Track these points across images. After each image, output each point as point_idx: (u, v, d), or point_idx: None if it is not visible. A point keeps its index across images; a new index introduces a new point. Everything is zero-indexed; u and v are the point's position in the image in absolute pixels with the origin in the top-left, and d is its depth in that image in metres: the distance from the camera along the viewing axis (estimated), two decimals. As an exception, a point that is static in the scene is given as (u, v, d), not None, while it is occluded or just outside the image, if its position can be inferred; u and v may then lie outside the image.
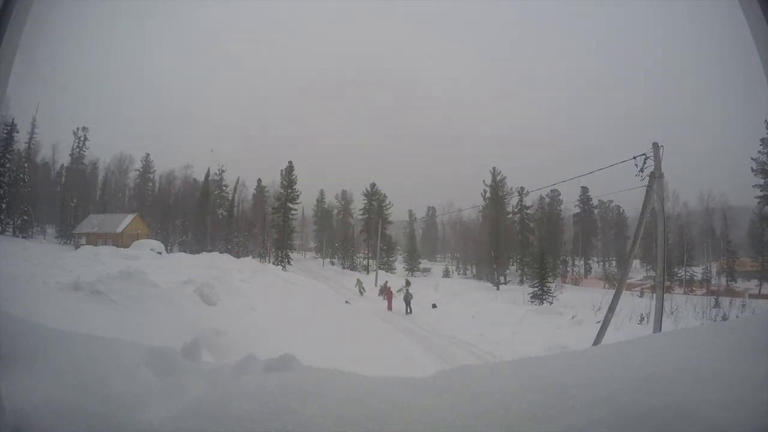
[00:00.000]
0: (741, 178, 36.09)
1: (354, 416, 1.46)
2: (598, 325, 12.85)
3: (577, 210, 49.68)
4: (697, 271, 41.77)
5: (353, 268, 50.12)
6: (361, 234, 50.64)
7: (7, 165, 36.12)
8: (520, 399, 1.43)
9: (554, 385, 1.47)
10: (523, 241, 47.59)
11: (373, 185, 50.24)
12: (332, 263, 51.57)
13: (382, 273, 39.39)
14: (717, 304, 25.89)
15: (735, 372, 1.33)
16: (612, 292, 13.59)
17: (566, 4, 64.76)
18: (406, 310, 24.15)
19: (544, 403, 1.39)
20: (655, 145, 11.94)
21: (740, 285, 38.75)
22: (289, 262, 43.18)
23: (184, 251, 37.99)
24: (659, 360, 1.52)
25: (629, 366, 1.51)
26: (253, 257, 27.12)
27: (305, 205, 50.48)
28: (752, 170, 34.15)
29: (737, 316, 20.33)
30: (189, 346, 2.61)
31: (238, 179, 48.29)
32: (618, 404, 1.32)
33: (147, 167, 49.87)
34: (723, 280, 40.19)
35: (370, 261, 49.08)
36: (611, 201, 49.70)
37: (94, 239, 34.92)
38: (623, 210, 50.41)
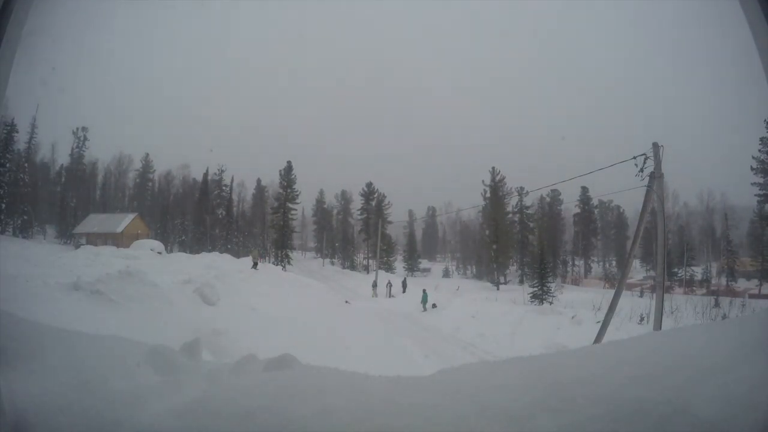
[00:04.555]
0: (741, 178, 36.17)
1: (354, 415, 1.46)
2: (598, 325, 12.85)
3: (577, 210, 49.71)
4: (697, 271, 41.81)
5: (353, 267, 50.13)
6: (361, 234, 50.65)
7: (7, 165, 36.12)
8: (521, 396, 1.44)
9: (554, 382, 1.47)
10: (523, 241, 47.62)
11: (369, 185, 50.28)
12: (332, 263, 51.60)
13: (382, 273, 39.33)
14: (717, 304, 25.90)
15: (734, 369, 1.33)
16: (612, 292, 13.59)
17: (567, 5, 64.83)
18: (423, 307, 24.68)
19: (544, 400, 1.40)
20: (655, 145, 11.94)
21: (740, 285, 38.76)
22: (289, 262, 43.16)
23: (184, 251, 37.97)
24: (658, 357, 1.53)
25: (629, 363, 1.51)
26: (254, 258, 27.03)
27: (305, 205, 50.56)
28: (752, 169, 34.17)
29: (737, 316, 20.34)
30: (189, 345, 2.61)
31: (232, 178, 48.45)
32: (618, 401, 1.32)
33: (147, 167, 49.95)
34: (723, 280, 40.22)
35: (370, 261, 49.08)
36: (611, 201, 49.78)
37: (94, 239, 34.91)
38: (623, 210, 50.52)
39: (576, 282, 46.82)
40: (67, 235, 39.80)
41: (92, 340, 2.22)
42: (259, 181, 51.10)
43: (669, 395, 1.29)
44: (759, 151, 34.11)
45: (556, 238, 48.83)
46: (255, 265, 23.71)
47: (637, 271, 42.88)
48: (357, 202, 51.89)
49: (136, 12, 72.35)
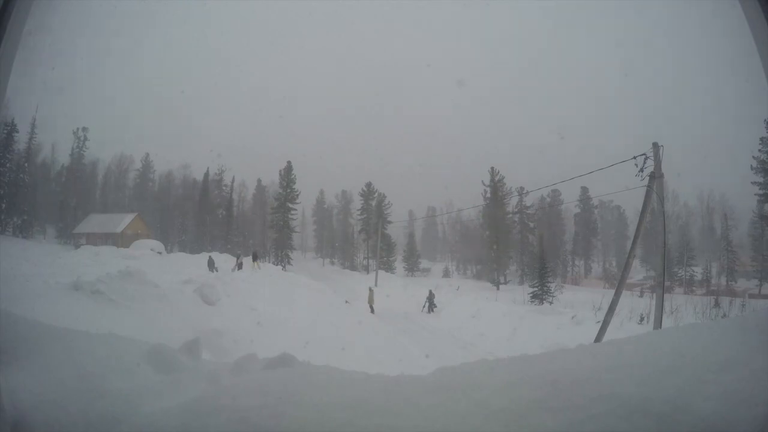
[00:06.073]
0: (741, 178, 36.09)
1: (354, 413, 1.46)
2: (598, 325, 12.86)
3: (578, 210, 49.69)
4: (697, 271, 41.80)
5: (353, 267, 50.11)
6: (361, 234, 50.62)
7: (7, 165, 36.10)
8: (521, 395, 1.44)
9: (554, 381, 1.47)
10: (523, 241, 47.58)
11: (369, 185, 50.21)
12: (332, 263, 51.60)
13: (382, 273, 39.31)
14: (717, 304, 25.90)
15: (734, 368, 1.33)
16: (612, 292, 13.59)
17: (566, 5, 64.83)
18: (430, 309, 24.58)
19: (544, 399, 1.40)
20: (655, 145, 11.95)
21: (740, 285, 38.75)
22: (289, 262, 43.13)
23: (184, 251, 37.95)
24: (658, 355, 1.53)
25: (629, 362, 1.52)
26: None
27: (305, 205, 50.48)
28: (752, 169, 34.07)
29: (737, 316, 20.31)
30: (189, 344, 2.61)
31: (233, 178, 48.43)
32: (618, 399, 1.32)
33: (147, 167, 49.98)
34: (723, 280, 40.21)
35: (370, 261, 49.06)
36: (611, 201, 49.66)
37: (94, 239, 34.89)
38: (623, 210, 50.47)
39: (576, 282, 46.83)
40: (67, 235, 39.74)
41: (92, 339, 2.23)
42: (259, 181, 51.11)
43: (669, 394, 1.29)
44: (759, 151, 34.04)
45: (556, 238, 48.79)
46: (240, 266, 23.67)
47: (637, 271, 42.80)
48: (357, 202, 51.86)
49: (136, 12, 72.34)
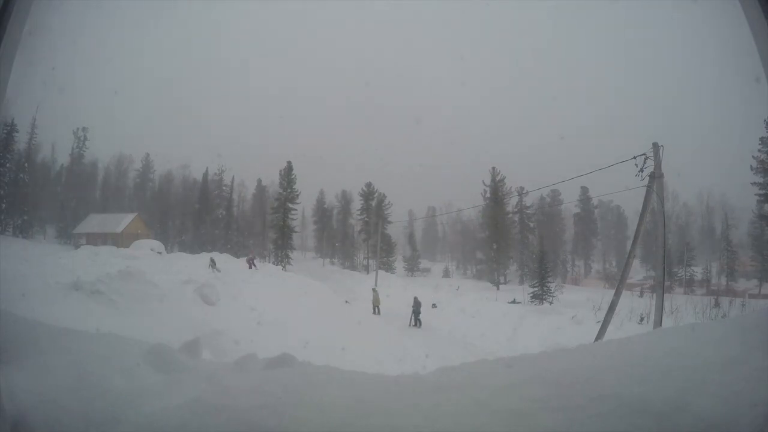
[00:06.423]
0: (741, 178, 36.07)
1: (353, 413, 1.46)
2: (598, 325, 12.86)
3: (577, 210, 49.69)
4: (697, 271, 41.82)
5: (353, 267, 50.10)
6: (361, 234, 50.61)
7: (7, 165, 36.11)
8: (521, 394, 1.44)
9: (554, 380, 1.47)
10: (523, 241, 47.59)
11: (369, 185, 50.20)
12: (332, 263, 51.59)
13: (382, 273, 39.30)
14: (717, 304, 25.91)
15: (733, 367, 1.33)
16: (612, 291, 13.59)
17: (566, 4, 64.90)
18: (416, 322, 19.66)
19: (544, 399, 1.40)
20: (655, 145, 11.92)
21: (740, 285, 38.77)
22: (288, 262, 43.10)
23: (184, 251, 37.93)
24: (658, 355, 1.53)
25: (629, 362, 1.52)
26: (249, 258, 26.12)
27: (305, 205, 50.46)
28: (752, 168, 34.03)
29: (737, 316, 20.25)
30: (189, 344, 2.62)
31: (233, 178, 48.45)
32: (618, 398, 1.32)
33: (147, 167, 50.02)
34: (723, 280, 40.24)
35: (370, 261, 49.06)
36: (611, 201, 49.66)
37: (94, 239, 34.86)
38: (623, 210, 50.48)
39: (576, 282, 46.87)
40: (67, 235, 39.75)
41: (92, 339, 2.23)
42: (259, 181, 51.12)
43: (669, 394, 1.29)
44: (759, 151, 33.99)
45: (556, 238, 48.80)
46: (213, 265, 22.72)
47: (637, 271, 42.81)
48: (357, 202, 51.85)
49: (136, 12, 72.41)
